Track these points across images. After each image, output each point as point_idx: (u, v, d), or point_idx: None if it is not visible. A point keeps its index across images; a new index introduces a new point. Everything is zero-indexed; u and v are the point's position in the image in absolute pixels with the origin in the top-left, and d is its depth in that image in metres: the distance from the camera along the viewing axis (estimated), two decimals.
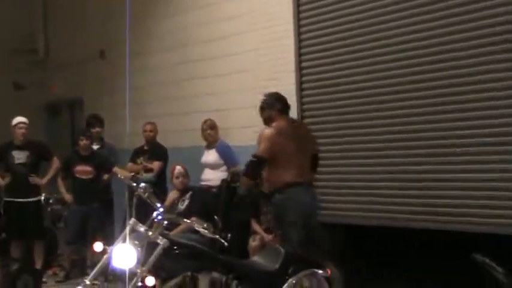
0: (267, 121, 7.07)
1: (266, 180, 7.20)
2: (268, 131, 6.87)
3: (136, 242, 4.92)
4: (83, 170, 9.50)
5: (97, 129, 10.34)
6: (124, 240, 4.90)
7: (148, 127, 10.06)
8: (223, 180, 8.86)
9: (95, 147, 10.07)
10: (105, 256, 4.96)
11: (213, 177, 9.08)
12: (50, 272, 9.94)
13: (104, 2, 12.10)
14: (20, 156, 9.57)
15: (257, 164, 6.83)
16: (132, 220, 5.05)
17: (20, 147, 9.57)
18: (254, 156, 6.84)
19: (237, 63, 9.48)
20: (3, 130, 9.96)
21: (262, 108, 7.21)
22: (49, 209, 10.39)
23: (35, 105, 13.20)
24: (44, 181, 9.61)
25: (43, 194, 9.85)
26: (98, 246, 5.08)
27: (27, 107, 11.77)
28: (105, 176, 9.66)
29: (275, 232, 7.57)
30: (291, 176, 6.76)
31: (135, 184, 5.33)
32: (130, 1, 9.64)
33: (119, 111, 10.87)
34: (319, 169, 7.47)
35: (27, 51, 13.91)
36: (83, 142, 9.51)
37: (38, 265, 9.53)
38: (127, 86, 9.51)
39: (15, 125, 9.56)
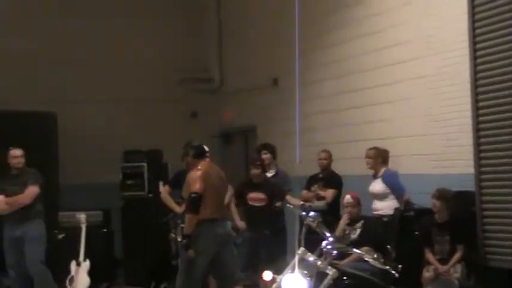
0: (188, 166, 8.07)
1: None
2: (198, 172, 7.77)
3: (306, 272, 4.88)
4: (256, 198, 9.57)
5: (267, 156, 10.41)
6: (293, 270, 4.88)
7: (323, 155, 10.04)
8: (396, 209, 8.68)
9: (269, 174, 10.15)
10: (274, 285, 4.95)
11: (382, 206, 8.91)
12: None
13: (276, 30, 12.25)
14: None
15: (198, 200, 7.60)
16: (301, 249, 5.02)
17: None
18: (194, 193, 7.61)
19: (406, 89, 9.30)
20: (180, 157, 10.26)
21: (182, 157, 8.21)
22: None
23: (209, 133, 13.54)
24: None
25: None
26: (267, 275, 5.08)
27: (201, 134, 12.08)
28: (278, 204, 9.68)
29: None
30: (209, 212, 7.68)
31: (304, 213, 5.30)
32: (300, 31, 9.72)
33: (290, 138, 10.92)
34: None
35: (202, 79, 14.31)
36: (253, 172, 9.60)
37: None
38: (297, 113, 9.55)
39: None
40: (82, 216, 10.82)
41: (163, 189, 10.26)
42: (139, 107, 13.36)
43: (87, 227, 10.65)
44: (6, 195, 9.40)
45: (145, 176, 11.56)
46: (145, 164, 11.56)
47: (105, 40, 13.40)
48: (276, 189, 9.63)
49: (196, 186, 7.62)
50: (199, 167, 7.83)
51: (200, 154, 8.02)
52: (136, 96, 13.35)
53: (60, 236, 11.23)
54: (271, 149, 10.50)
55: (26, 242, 9.31)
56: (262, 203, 9.53)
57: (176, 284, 7.80)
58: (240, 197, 9.70)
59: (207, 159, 8.04)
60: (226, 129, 14.33)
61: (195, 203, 7.58)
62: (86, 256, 10.61)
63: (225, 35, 14.39)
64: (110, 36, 13.41)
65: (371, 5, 10.14)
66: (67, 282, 10.71)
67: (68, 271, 10.71)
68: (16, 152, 9.57)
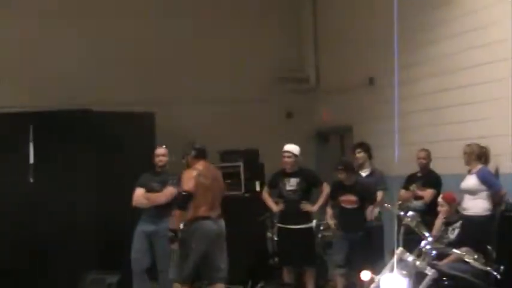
0: (187, 165, 8.82)
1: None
2: (194, 172, 8.57)
3: (404, 272, 4.83)
4: (347, 200, 9.52)
5: (362, 155, 10.32)
6: (391, 270, 4.83)
7: (421, 154, 9.92)
8: (495, 208, 8.51)
9: (364, 174, 10.09)
10: (372, 286, 4.91)
11: (472, 205, 8.72)
12: None
13: (372, 29, 12.15)
14: (291, 184, 9.86)
15: (188, 198, 8.38)
16: (400, 249, 4.96)
17: (291, 175, 9.86)
18: (185, 191, 8.42)
19: (507, 88, 9.08)
20: (276, 157, 10.32)
21: (183, 155, 8.94)
22: (320, 236, 10.56)
23: (304, 133, 13.52)
24: (315, 208, 9.79)
25: (314, 221, 10.02)
26: (365, 275, 5.04)
27: (297, 134, 12.09)
28: (369, 207, 9.55)
29: None
30: (202, 210, 8.47)
31: (402, 213, 5.25)
32: (398, 29, 9.58)
33: (387, 137, 10.81)
34: None
35: (297, 79, 14.31)
36: (339, 176, 9.54)
37: None
38: (396, 112, 9.45)
39: (282, 152, 9.89)
40: None
41: (264, 188, 10.33)
42: (235, 107, 13.46)
43: None
44: (147, 191, 9.58)
45: (242, 175, 11.63)
46: (241, 164, 11.64)
47: (203, 40, 13.55)
48: (367, 192, 9.54)
49: (189, 185, 8.41)
50: (196, 167, 8.64)
51: (199, 155, 8.83)
52: (232, 96, 13.46)
53: None
54: (366, 148, 10.43)
55: (157, 237, 9.36)
56: (354, 206, 9.47)
57: (170, 275, 8.76)
58: (333, 199, 9.68)
59: (205, 161, 8.84)
60: (322, 129, 14.30)
61: (184, 201, 8.36)
62: None
63: (320, 34, 14.36)
64: (206, 36, 13.56)
65: (470, 2, 9.97)
66: None
67: None
68: (160, 151, 9.79)
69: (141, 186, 9.63)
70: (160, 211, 9.39)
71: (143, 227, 9.53)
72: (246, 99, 13.53)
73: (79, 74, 12.52)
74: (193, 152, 8.87)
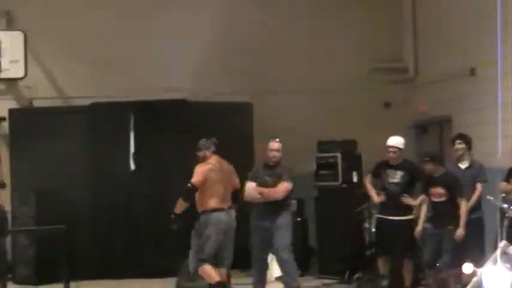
0: (202, 158, 9.12)
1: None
2: (207, 166, 8.98)
3: (508, 265, 4.74)
4: (436, 193, 9.37)
5: (462, 147, 10.11)
6: (495, 263, 4.74)
7: None
8: None
9: (463, 166, 9.89)
10: (474, 279, 4.83)
11: None
12: None
13: (473, 18, 11.90)
14: (394, 176, 9.79)
15: (191, 191, 8.78)
16: (503, 242, 4.87)
17: (394, 167, 9.79)
18: (190, 183, 8.78)
19: None
20: (373, 148, 10.26)
21: (199, 149, 9.17)
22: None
23: (402, 123, 13.37)
24: (416, 201, 9.67)
25: (413, 214, 9.89)
26: (467, 268, 4.97)
27: (395, 125, 11.96)
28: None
29: None
30: (214, 202, 8.89)
31: (505, 205, 5.14)
32: (502, 20, 9.39)
33: (487, 129, 10.59)
34: None
35: (396, 69, 14.15)
36: (426, 168, 9.39)
37: (407, 283, 9.64)
38: (499, 103, 9.23)
39: (387, 146, 9.80)
40: None
41: (367, 178, 10.30)
42: (333, 98, 13.39)
43: None
44: (259, 185, 9.25)
45: (339, 166, 11.58)
46: (339, 154, 11.59)
47: (301, 31, 13.54)
48: (454, 184, 9.34)
49: (197, 179, 8.83)
50: (210, 161, 9.06)
51: (216, 151, 9.21)
52: (329, 87, 13.40)
53: None
54: (466, 140, 10.18)
55: (274, 230, 9.19)
56: (442, 198, 9.31)
57: (189, 265, 9.02)
58: (424, 192, 9.55)
59: (218, 156, 9.22)
60: (420, 120, 14.10)
61: (188, 193, 8.78)
62: None
63: (419, 23, 14.13)
64: (304, 27, 13.55)
65: None
66: None
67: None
68: (274, 145, 9.42)
69: (253, 180, 9.34)
70: (276, 207, 9.21)
71: (259, 223, 9.31)
72: (343, 90, 13.45)
73: (179, 64, 12.69)
74: (212, 147, 9.22)
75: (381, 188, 9.95)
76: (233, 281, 10.32)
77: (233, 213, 9.18)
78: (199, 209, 9.08)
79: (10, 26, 12.54)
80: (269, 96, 13.00)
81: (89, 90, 12.53)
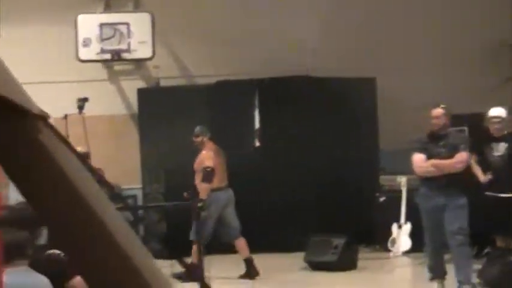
0: (200, 145, 10.09)
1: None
2: (210, 152, 9.95)
3: None
4: None
5: None
6: None
7: None
8: None
9: None
10: None
11: None
12: None
13: None
14: (498, 149, 9.45)
15: (212, 173, 9.69)
16: None
17: (498, 140, 9.45)
18: (208, 167, 9.72)
19: None
20: None
21: (197, 135, 10.11)
22: None
23: None
24: None
25: None
26: None
27: None
28: None
29: None
30: (217, 182, 9.84)
31: None
32: None
33: None
34: None
35: None
36: None
37: None
38: None
39: (489, 118, 9.50)
40: (402, 180, 11.00)
41: (473, 157, 9.51)
42: (458, 72, 13.14)
43: (408, 190, 10.82)
44: (429, 157, 8.25)
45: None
46: (466, 128, 11.39)
47: (430, 5, 13.34)
48: None
49: (210, 162, 9.77)
50: (210, 147, 10.03)
51: (211, 137, 10.21)
52: (454, 61, 13.16)
53: (381, 199, 11.50)
54: None
55: (448, 210, 8.16)
56: None
57: (191, 238, 9.59)
58: None
59: (212, 142, 10.18)
60: None
61: (210, 175, 9.67)
62: (407, 219, 10.79)
63: None
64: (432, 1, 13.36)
65: None
66: (388, 244, 10.99)
67: (390, 233, 10.98)
68: (437, 111, 8.39)
69: (421, 152, 8.29)
70: (452, 181, 8.16)
71: (429, 202, 8.26)
72: (469, 64, 13.19)
73: (301, 41, 12.73)
74: (208, 134, 10.17)
75: (486, 164, 9.50)
76: (360, 256, 10.39)
77: (230, 190, 10.15)
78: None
79: (137, 8, 12.87)
80: (393, 72, 12.86)
81: (213, 69, 12.75)
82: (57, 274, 4.20)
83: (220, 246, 10.41)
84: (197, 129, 10.19)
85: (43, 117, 1.30)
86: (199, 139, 10.14)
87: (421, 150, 8.31)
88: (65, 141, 1.30)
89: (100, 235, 1.25)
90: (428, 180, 8.31)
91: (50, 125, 1.29)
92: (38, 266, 4.14)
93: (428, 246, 8.45)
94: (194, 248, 9.52)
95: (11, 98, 1.25)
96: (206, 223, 9.58)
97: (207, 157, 9.91)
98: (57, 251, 4.34)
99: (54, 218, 1.27)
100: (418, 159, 8.29)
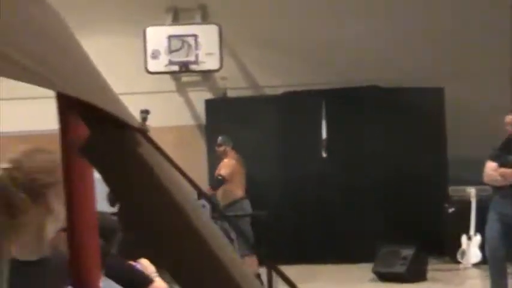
0: (222, 154, 10.32)
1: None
2: (232, 161, 10.15)
3: None
4: None
5: None
6: None
7: None
8: None
9: None
10: None
11: None
12: None
13: None
14: None
15: (221, 182, 9.92)
16: None
17: None
18: (220, 176, 9.98)
19: None
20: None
21: (220, 145, 10.37)
22: None
23: None
24: None
25: None
26: None
27: None
28: None
29: None
30: (242, 191, 10.11)
31: None
32: None
33: None
34: None
35: None
36: None
37: None
38: None
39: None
40: (472, 191, 10.84)
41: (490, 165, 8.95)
42: None
43: (477, 201, 10.66)
44: (501, 165, 7.99)
45: None
46: None
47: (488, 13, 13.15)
48: None
49: (226, 171, 9.94)
50: (233, 156, 10.20)
51: (233, 147, 10.37)
52: None
53: (450, 210, 11.35)
54: None
55: None
56: None
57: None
58: None
59: (234, 151, 10.35)
60: None
61: (219, 183, 9.92)
62: (477, 230, 10.63)
63: None
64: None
65: None
66: (458, 255, 10.84)
67: (459, 245, 10.83)
68: (508, 117, 8.30)
69: (494, 160, 8.06)
70: None
71: (498, 209, 8.03)
72: None
73: (368, 51, 12.68)
74: (231, 144, 10.34)
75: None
76: (429, 267, 10.29)
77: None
78: (230, 197, 10.08)
79: (205, 19, 12.99)
80: (461, 81, 12.68)
81: (280, 79, 12.79)
82: (133, 283, 4.24)
83: None
84: (220, 138, 10.43)
85: (142, 131, 1.34)
86: (222, 148, 10.39)
87: (493, 158, 8.09)
88: (164, 154, 1.33)
89: (200, 249, 1.27)
90: (500, 189, 8.11)
91: (150, 139, 1.33)
92: (113, 275, 4.19)
93: (492, 260, 8.16)
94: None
95: (110, 111, 1.28)
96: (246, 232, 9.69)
97: (225, 165, 10.12)
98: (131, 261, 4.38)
99: (152, 228, 1.31)
100: (489, 167, 8.08)
